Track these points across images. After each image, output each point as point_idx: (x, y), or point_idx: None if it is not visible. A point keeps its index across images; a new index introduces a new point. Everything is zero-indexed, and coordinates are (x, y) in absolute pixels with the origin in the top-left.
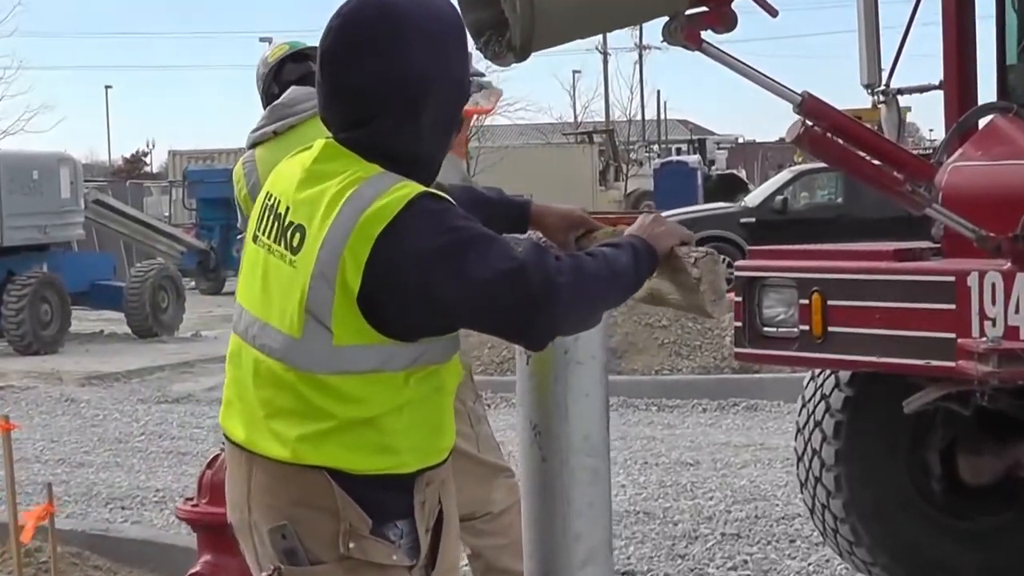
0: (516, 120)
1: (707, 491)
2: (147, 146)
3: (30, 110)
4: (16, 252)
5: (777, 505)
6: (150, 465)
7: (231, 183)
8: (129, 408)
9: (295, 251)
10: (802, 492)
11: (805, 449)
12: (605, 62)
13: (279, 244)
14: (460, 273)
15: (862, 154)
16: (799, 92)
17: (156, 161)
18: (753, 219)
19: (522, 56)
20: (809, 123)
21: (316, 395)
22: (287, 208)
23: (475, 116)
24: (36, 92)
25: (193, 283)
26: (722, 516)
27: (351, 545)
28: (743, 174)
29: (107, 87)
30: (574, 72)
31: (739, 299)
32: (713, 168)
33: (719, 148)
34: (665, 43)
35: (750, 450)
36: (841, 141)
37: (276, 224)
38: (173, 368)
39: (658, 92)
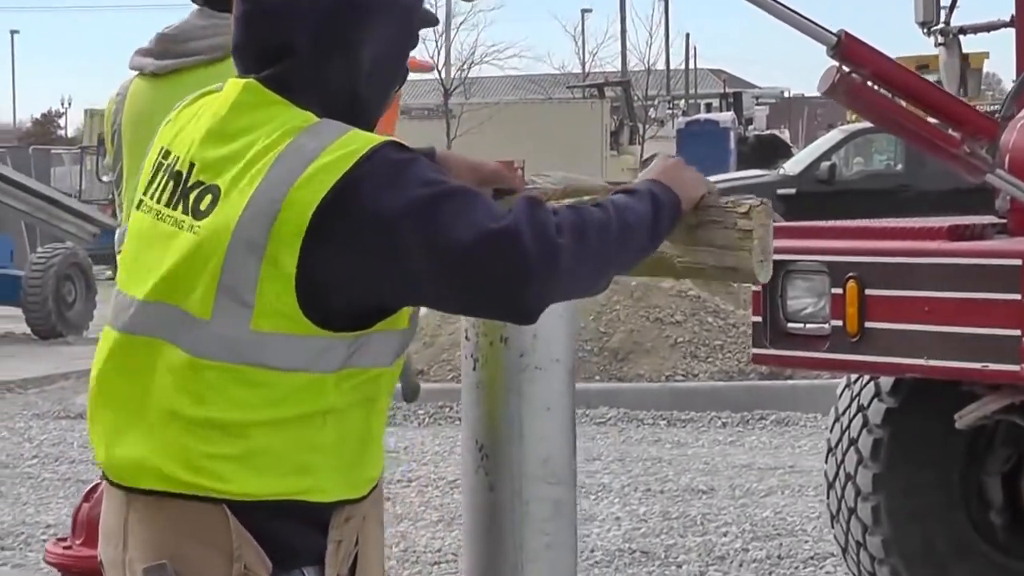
0: (508, 71)
1: (721, 525)
2: (62, 105)
3: None
4: None
5: (806, 542)
6: (41, 496)
7: None
8: (22, 425)
9: (200, 215)
10: (833, 526)
11: (837, 473)
12: None
13: (175, 209)
14: (436, 236)
15: (911, 108)
16: (834, 32)
17: (72, 124)
18: (793, 190)
19: None
20: (846, 70)
21: (218, 393)
22: (190, 165)
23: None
24: None
25: (109, 272)
26: (737, 556)
27: None
28: (786, 136)
29: (13, 32)
30: (583, 11)
31: (757, 288)
32: (750, 128)
33: (758, 104)
34: None
35: (777, 474)
36: (885, 92)
37: (172, 186)
38: (79, 376)
39: (686, 36)
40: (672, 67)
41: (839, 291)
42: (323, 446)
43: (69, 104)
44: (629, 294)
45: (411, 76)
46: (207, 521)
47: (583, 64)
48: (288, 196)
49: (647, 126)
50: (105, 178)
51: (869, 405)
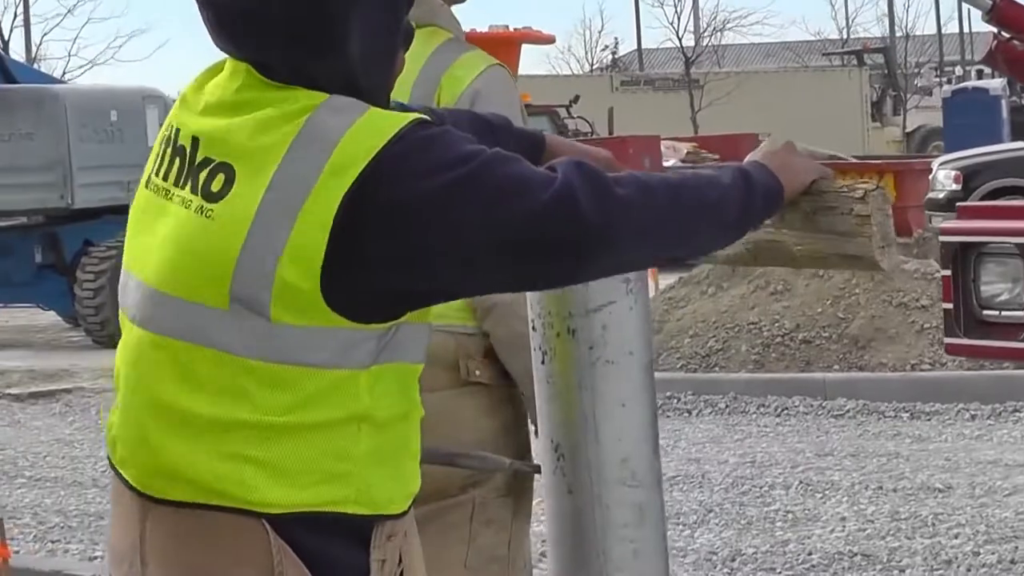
0: (760, 37)
1: (953, 526)
2: None
3: (121, 35)
4: (93, 216)
5: None
6: None
7: None
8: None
9: (214, 198)
10: None
11: None
12: None
13: (184, 188)
14: (491, 208)
15: None
16: None
17: None
18: None
19: None
20: (1005, 35)
21: (243, 392)
22: (195, 140)
23: None
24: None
25: None
26: (965, 560)
27: None
28: None
29: None
30: None
31: (948, 273)
32: None
33: None
34: None
35: None
36: None
37: (179, 162)
38: None
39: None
40: (944, 32)
41: None
42: (358, 456)
43: None
44: (870, 276)
45: (622, 49)
46: (244, 536)
47: (843, 29)
48: (316, 183)
49: (910, 96)
50: None
51: None
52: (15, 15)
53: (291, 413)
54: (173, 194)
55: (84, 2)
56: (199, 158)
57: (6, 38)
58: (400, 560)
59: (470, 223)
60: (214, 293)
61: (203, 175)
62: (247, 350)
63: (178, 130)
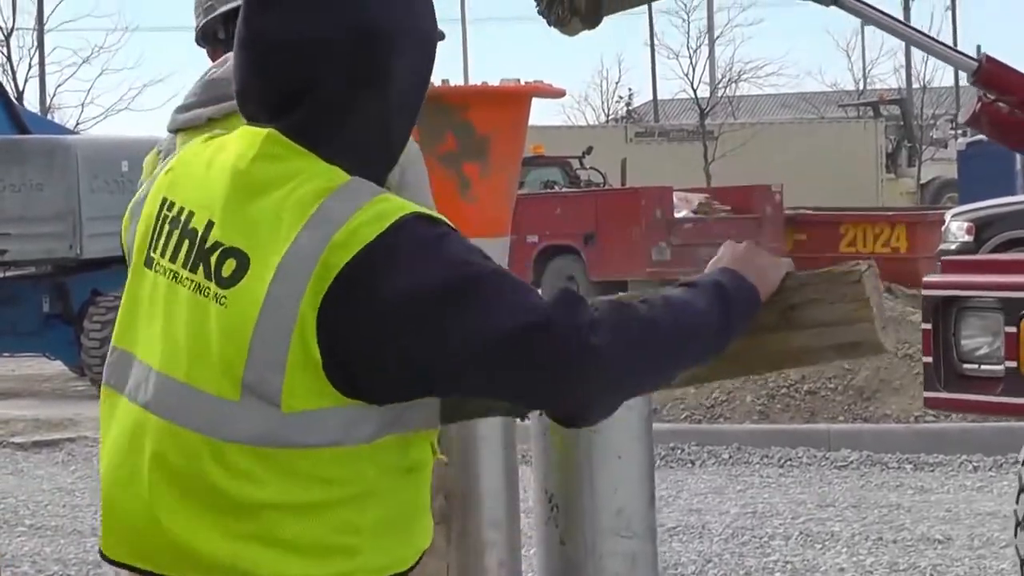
0: (775, 88)
1: None
2: None
3: (134, 87)
4: (101, 265)
5: None
6: None
7: None
8: None
9: (227, 284)
10: (1022, 573)
11: None
12: (906, 6)
13: (195, 272)
14: (466, 323)
15: None
16: (975, 57)
17: None
18: None
19: (591, 22)
20: (989, 97)
21: (253, 477)
22: (208, 223)
23: None
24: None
25: None
26: None
27: None
28: None
29: None
30: (862, 24)
31: (928, 326)
32: None
33: None
34: None
35: None
36: None
37: (187, 244)
38: None
39: (977, 48)
40: (961, 84)
41: (1013, 329)
42: (366, 528)
43: None
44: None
45: (637, 100)
46: None
47: (859, 81)
48: (317, 264)
49: (925, 147)
50: None
51: None
52: (30, 65)
53: (299, 494)
54: (183, 277)
55: (99, 53)
56: (210, 242)
57: (21, 88)
58: None
59: (446, 332)
60: (226, 383)
61: (214, 258)
62: (256, 439)
63: (183, 209)
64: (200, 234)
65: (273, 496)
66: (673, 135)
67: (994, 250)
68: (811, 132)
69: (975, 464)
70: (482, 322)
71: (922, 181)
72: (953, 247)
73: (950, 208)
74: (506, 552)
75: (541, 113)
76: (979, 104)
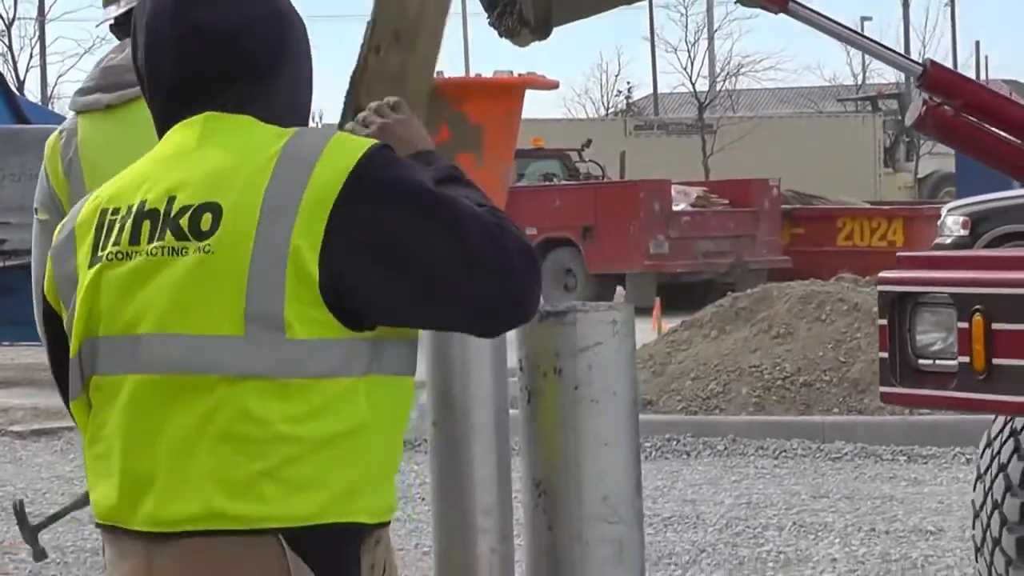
0: (775, 83)
1: (943, 568)
2: None
3: None
4: None
5: None
6: None
7: None
8: None
9: (207, 235)
10: (976, 559)
11: (984, 502)
12: (905, 3)
13: (163, 239)
14: (453, 224)
15: (1013, 140)
16: (920, 61)
17: None
18: None
19: (541, 33)
20: (935, 101)
21: (261, 409)
22: (169, 199)
23: None
24: None
25: None
26: None
27: None
28: None
29: None
30: (862, 19)
31: (884, 322)
32: None
33: None
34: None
35: None
36: (980, 123)
37: (148, 223)
38: None
39: (976, 44)
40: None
41: (965, 325)
42: (364, 465)
43: None
44: (871, 321)
45: (637, 93)
46: (259, 556)
47: (857, 75)
48: (303, 195)
49: (923, 142)
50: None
51: (1023, 430)
52: (31, 55)
53: (304, 424)
54: (148, 251)
55: (101, 44)
56: (176, 209)
57: (22, 78)
58: (384, 567)
59: (434, 234)
60: (229, 321)
61: (185, 220)
62: (265, 370)
63: (131, 206)
64: (163, 210)
65: (277, 427)
66: (672, 128)
67: (989, 244)
68: (809, 126)
69: (968, 456)
70: (466, 221)
71: (920, 175)
72: (948, 241)
73: (947, 202)
74: (497, 540)
75: (541, 106)
76: (924, 108)
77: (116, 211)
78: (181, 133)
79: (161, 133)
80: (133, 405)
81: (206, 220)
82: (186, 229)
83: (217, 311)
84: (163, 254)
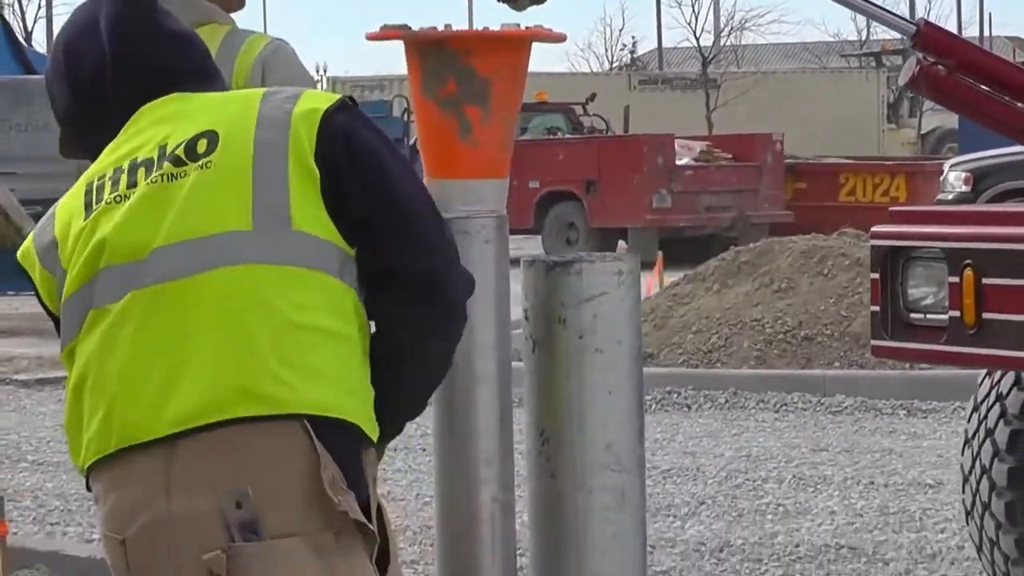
0: (779, 37)
1: (940, 521)
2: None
3: None
4: None
5: None
6: None
7: None
8: None
9: (206, 154)
10: (967, 523)
11: (973, 466)
12: None
13: (160, 168)
14: (415, 175)
15: (1006, 99)
16: (913, 21)
17: None
18: None
19: None
20: (928, 60)
21: (278, 294)
22: (161, 147)
23: None
24: None
25: None
26: (949, 554)
27: (339, 499)
28: None
29: None
30: None
31: (876, 276)
32: None
33: None
34: None
35: None
36: (973, 83)
37: (143, 170)
38: None
39: (980, 1)
40: (965, 34)
41: (956, 279)
42: (361, 376)
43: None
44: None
45: (641, 48)
46: (286, 440)
47: (862, 31)
48: (296, 108)
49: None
50: None
51: (1008, 394)
52: (39, 6)
53: (309, 313)
54: (144, 184)
55: None
56: (171, 148)
57: (29, 29)
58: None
59: (395, 163)
60: (236, 218)
61: (181, 150)
62: (275, 257)
63: (120, 166)
64: (156, 156)
65: (294, 314)
66: (676, 83)
67: (991, 200)
68: (813, 82)
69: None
70: (415, 180)
71: (923, 131)
72: (950, 197)
73: (950, 158)
74: (499, 489)
75: (545, 59)
76: (918, 67)
77: (102, 176)
78: (154, 108)
79: (123, 119)
80: (142, 318)
81: (202, 144)
82: (183, 155)
83: (223, 212)
84: (163, 180)
